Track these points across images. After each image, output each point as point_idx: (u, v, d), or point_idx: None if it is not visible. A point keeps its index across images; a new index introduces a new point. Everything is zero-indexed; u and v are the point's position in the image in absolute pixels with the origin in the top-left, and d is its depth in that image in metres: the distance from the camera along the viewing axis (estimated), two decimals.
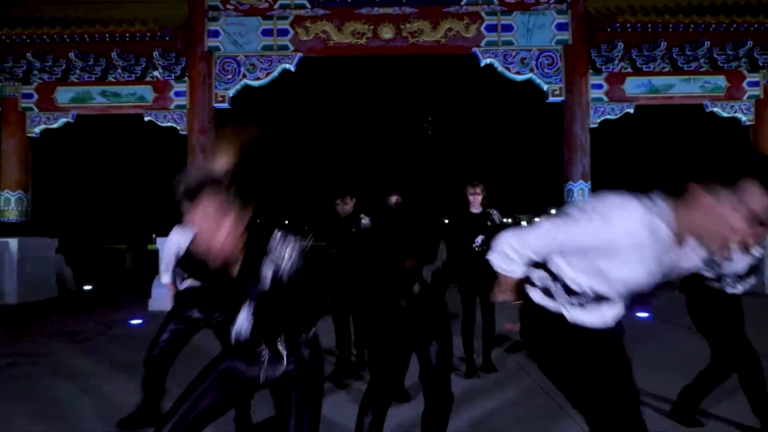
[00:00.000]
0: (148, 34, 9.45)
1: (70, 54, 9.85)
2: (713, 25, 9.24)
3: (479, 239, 4.76)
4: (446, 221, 5.03)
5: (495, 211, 4.96)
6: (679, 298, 8.28)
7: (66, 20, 9.89)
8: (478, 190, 4.90)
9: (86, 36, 9.55)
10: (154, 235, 60.35)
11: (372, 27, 10.21)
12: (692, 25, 9.27)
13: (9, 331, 7.10)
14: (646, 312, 7.59)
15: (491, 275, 4.61)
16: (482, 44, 10.15)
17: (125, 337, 6.55)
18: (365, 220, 4.83)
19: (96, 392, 4.43)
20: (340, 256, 4.83)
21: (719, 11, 9.50)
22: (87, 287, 12.47)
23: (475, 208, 4.93)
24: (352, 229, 4.81)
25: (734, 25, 9.21)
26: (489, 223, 4.84)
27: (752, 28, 9.34)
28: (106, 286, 12.96)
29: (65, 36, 9.48)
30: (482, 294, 4.73)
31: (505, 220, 5.04)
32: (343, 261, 4.84)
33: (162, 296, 8.79)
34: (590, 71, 10.11)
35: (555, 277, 1.88)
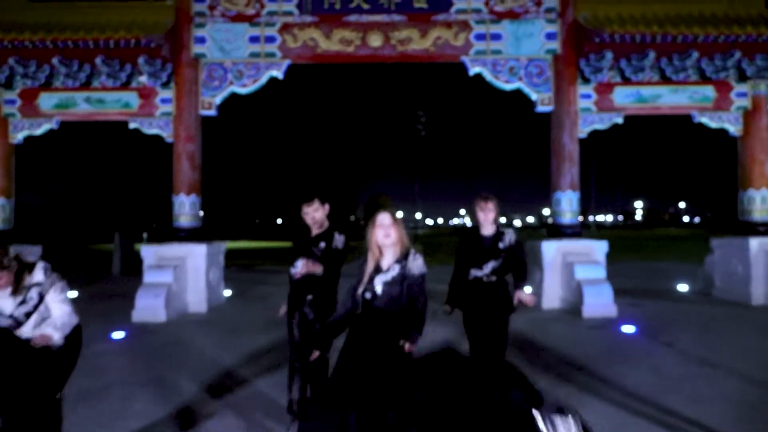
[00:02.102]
0: (133, 41, 9.33)
1: (53, 60, 9.72)
2: (701, 36, 9.23)
3: (489, 266, 4.07)
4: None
5: (509, 231, 4.21)
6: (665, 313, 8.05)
7: (49, 26, 9.74)
8: (490, 206, 4.13)
9: (70, 42, 9.41)
10: (144, 234, 59.20)
11: (360, 34, 10.12)
12: (680, 36, 9.25)
13: None
14: (632, 326, 7.57)
15: (498, 309, 4.03)
16: (471, 53, 10.10)
17: (106, 356, 6.45)
18: (339, 240, 4.03)
19: None
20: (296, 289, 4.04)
21: (707, 22, 9.50)
22: (72, 294, 12.31)
23: (487, 229, 4.18)
24: (319, 245, 4.00)
25: (722, 36, 9.21)
26: (501, 245, 4.10)
27: (740, 39, 9.34)
28: (92, 293, 12.80)
29: (48, 42, 9.34)
30: (487, 331, 4.04)
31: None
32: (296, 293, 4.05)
33: (146, 307, 8.75)
34: (579, 81, 10.08)
35: None
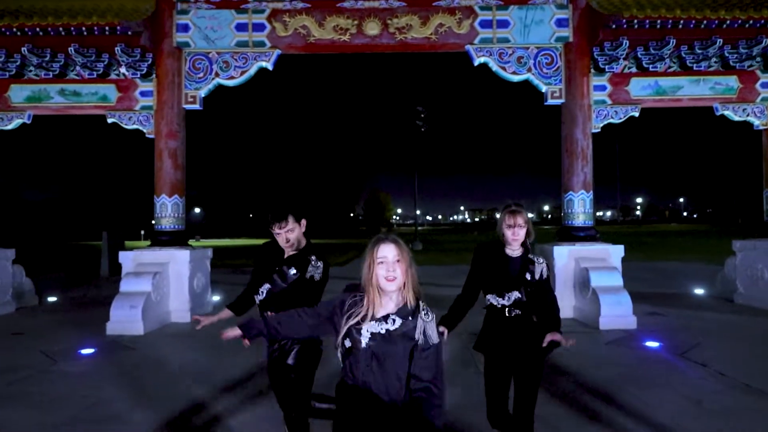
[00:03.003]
0: (108, 28, 8.56)
1: (23, 49, 8.95)
2: (727, 21, 8.48)
3: (512, 297, 3.13)
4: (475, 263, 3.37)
5: (541, 260, 3.23)
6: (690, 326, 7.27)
7: (17, 12, 8.97)
8: (520, 221, 3.12)
9: (39, 29, 8.65)
10: (142, 232, 58.67)
11: (356, 22, 9.37)
12: (705, 21, 8.50)
13: None
14: (656, 342, 6.86)
15: (531, 350, 3.07)
16: (476, 41, 9.34)
17: (68, 379, 5.70)
18: (316, 268, 3.23)
19: None
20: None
21: (734, 6, 8.74)
22: (51, 299, 11.60)
23: (514, 249, 3.20)
24: (289, 272, 3.24)
25: (750, 21, 8.45)
26: (528, 276, 3.15)
27: None
28: (73, 297, 12.06)
29: (15, 29, 8.57)
30: (522, 375, 3.17)
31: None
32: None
33: (122, 319, 8.01)
34: (592, 71, 9.34)
35: None
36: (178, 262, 9.04)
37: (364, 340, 2.18)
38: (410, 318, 2.20)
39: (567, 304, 8.81)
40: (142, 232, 60.06)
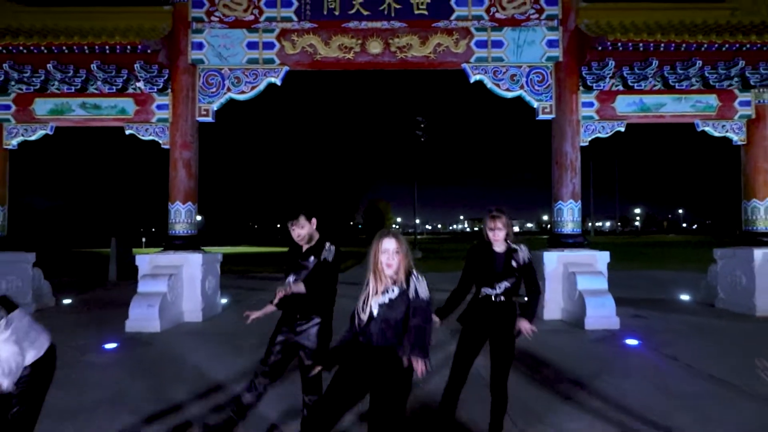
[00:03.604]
0: (129, 46, 9.19)
1: (48, 65, 9.56)
2: (705, 45, 9.11)
3: (502, 286, 3.76)
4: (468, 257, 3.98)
5: (523, 248, 3.84)
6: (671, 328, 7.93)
7: (44, 30, 9.62)
8: (499, 225, 3.78)
9: (64, 47, 9.27)
10: (143, 239, 58.85)
11: (360, 41, 10.02)
12: (684, 45, 9.14)
13: None
14: (635, 340, 7.43)
15: (508, 330, 3.74)
16: (472, 60, 9.98)
17: (96, 369, 6.26)
18: (329, 252, 3.85)
19: None
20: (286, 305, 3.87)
21: (711, 31, 9.39)
22: (66, 301, 12.17)
23: (499, 246, 3.85)
24: (309, 259, 3.88)
25: (726, 45, 9.09)
26: (514, 263, 3.78)
27: (744, 48, 9.22)
28: (87, 299, 12.63)
29: (43, 47, 9.21)
30: (494, 353, 3.78)
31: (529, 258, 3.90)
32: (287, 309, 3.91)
33: (140, 317, 8.58)
34: (581, 89, 9.98)
35: None
36: (191, 265, 9.62)
37: (375, 311, 2.94)
38: (404, 285, 2.96)
39: (555, 307, 9.39)
40: (144, 240, 60.63)
